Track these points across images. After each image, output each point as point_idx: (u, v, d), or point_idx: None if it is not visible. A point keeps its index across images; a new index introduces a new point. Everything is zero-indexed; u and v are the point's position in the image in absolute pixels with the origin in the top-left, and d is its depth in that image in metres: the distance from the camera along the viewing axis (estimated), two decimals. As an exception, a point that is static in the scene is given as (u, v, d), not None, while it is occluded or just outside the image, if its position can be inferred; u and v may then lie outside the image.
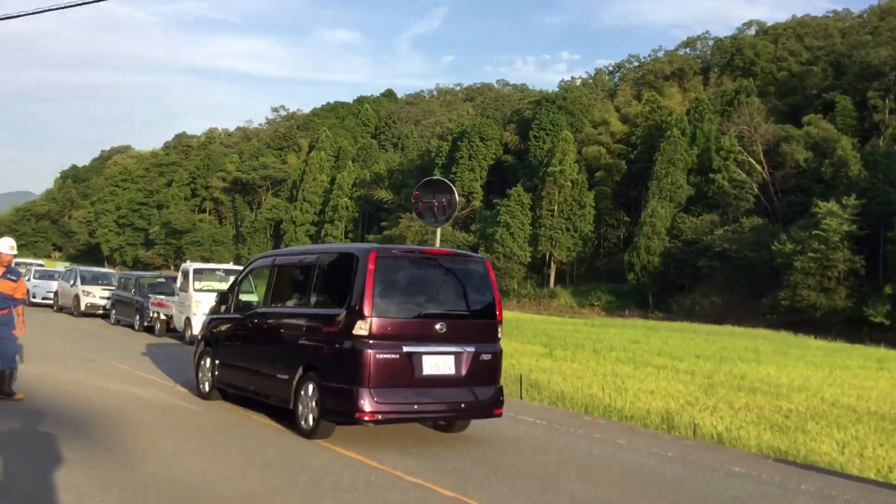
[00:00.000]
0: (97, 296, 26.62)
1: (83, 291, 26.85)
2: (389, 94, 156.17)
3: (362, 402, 7.94)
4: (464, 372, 8.57)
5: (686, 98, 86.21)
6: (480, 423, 10.36)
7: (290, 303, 9.89)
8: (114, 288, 26.53)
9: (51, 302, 29.43)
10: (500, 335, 9.21)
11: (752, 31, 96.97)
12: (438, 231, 16.87)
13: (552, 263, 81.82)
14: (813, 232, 55.42)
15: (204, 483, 6.62)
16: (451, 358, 8.52)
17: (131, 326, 23.20)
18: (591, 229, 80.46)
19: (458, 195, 16.81)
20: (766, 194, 68.09)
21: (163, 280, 25.86)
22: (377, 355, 8.06)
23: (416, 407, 8.36)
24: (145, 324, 22.21)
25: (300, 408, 8.64)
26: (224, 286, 20.19)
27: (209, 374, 10.85)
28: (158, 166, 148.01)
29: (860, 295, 55.57)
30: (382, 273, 8.32)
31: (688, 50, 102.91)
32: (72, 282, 28.06)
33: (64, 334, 20.06)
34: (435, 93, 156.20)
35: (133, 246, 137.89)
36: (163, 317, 21.20)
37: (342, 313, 8.34)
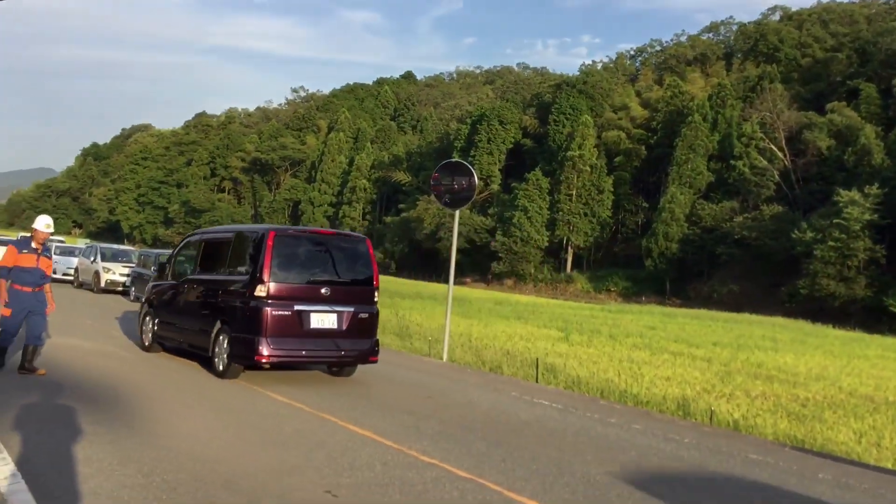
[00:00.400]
0: (117, 273, 26.84)
1: (103, 268, 27.08)
2: (409, 76, 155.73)
3: (261, 348, 10.05)
4: (344, 327, 10.68)
5: (708, 83, 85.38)
6: (497, 406, 10.41)
7: (211, 271, 11.72)
8: (133, 265, 26.74)
9: (71, 278, 29.70)
10: (376, 299, 11.28)
11: (776, 17, 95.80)
12: (457, 213, 16.86)
13: (569, 248, 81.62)
14: (834, 221, 54.92)
15: (223, 459, 6.69)
16: (334, 315, 10.61)
17: (150, 304, 23.35)
18: (610, 214, 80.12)
19: (477, 178, 16.77)
20: (788, 182, 67.46)
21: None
22: (273, 312, 10.14)
23: (304, 353, 10.59)
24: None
25: (216, 354, 10.68)
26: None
27: (150, 331, 12.79)
28: (178, 145, 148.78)
29: (880, 284, 55.07)
30: (279, 248, 10.40)
31: (711, 35, 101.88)
32: (92, 258, 28.32)
33: (84, 310, 20.25)
34: (455, 75, 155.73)
35: (153, 224, 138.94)
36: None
37: (247, 279, 10.44)
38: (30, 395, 8.79)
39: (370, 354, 11.08)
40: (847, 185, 57.25)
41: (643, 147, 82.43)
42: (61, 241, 40.44)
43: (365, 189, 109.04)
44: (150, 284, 13.73)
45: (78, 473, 5.96)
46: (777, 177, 67.33)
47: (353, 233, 13.14)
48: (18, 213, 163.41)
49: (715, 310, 48.49)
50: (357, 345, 10.86)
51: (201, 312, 11.40)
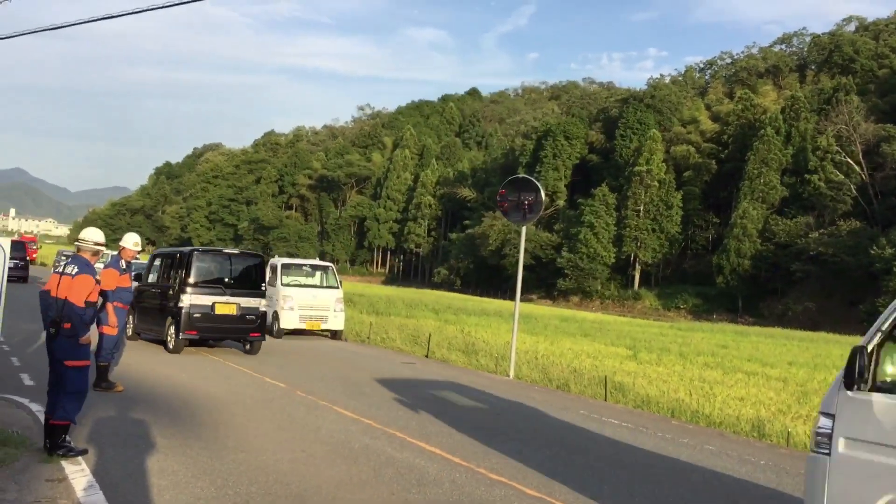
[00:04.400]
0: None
1: None
2: (474, 93, 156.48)
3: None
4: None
5: (781, 96, 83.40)
6: (566, 424, 10.28)
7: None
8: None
9: None
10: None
11: (851, 28, 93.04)
12: (523, 230, 16.79)
13: (637, 265, 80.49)
14: (915, 236, 52.91)
15: (294, 473, 6.75)
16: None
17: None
18: (679, 230, 78.73)
19: (543, 194, 16.68)
20: (865, 196, 65.31)
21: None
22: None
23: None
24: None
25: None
26: (311, 281, 20.73)
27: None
28: (248, 163, 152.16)
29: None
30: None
31: (783, 46, 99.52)
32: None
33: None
34: (520, 91, 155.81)
35: (223, 241, 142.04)
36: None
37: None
38: (104, 408, 9.04)
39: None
40: (929, 199, 55.11)
41: (713, 161, 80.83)
42: (136, 259, 41.50)
43: (430, 205, 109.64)
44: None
45: (152, 486, 6.09)
46: (854, 191, 65.23)
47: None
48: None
49: (790, 328, 47.09)
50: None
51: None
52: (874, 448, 4.43)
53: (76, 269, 6.95)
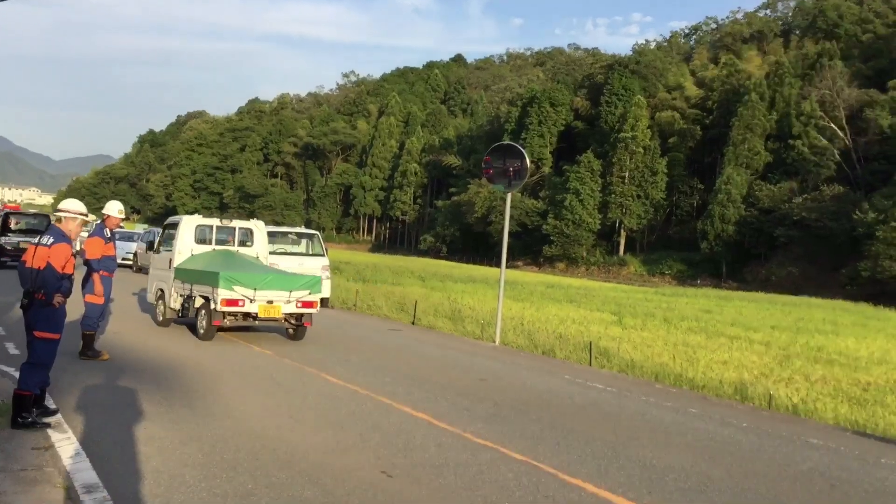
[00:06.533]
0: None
1: None
2: (459, 60, 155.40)
3: None
4: None
5: (765, 62, 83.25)
6: (551, 389, 10.38)
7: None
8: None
9: (130, 263, 30.39)
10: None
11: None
12: (508, 197, 16.79)
13: (622, 231, 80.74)
14: (897, 201, 53.23)
15: (281, 439, 6.80)
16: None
17: (207, 287, 23.81)
18: (663, 196, 78.93)
19: (528, 161, 16.65)
20: (848, 161, 65.55)
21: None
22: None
23: None
24: (220, 285, 22.71)
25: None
26: (297, 249, 20.70)
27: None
28: (232, 131, 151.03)
29: (946, 267, 53.28)
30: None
31: (768, 12, 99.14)
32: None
33: (143, 293, 20.68)
34: (505, 58, 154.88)
35: (208, 209, 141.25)
36: (238, 278, 21.63)
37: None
38: (92, 375, 9.04)
39: None
40: (911, 164, 55.36)
41: (698, 127, 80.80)
42: (121, 227, 41.27)
43: (416, 173, 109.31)
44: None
45: (140, 453, 6.12)
46: (837, 156, 65.44)
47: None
48: (78, 198, 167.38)
49: (773, 293, 47.46)
50: None
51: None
52: None
53: (52, 240, 6.92)
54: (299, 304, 12.60)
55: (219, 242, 14.70)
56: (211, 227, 14.89)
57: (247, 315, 12.40)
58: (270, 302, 12.34)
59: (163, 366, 10.08)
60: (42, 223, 28.04)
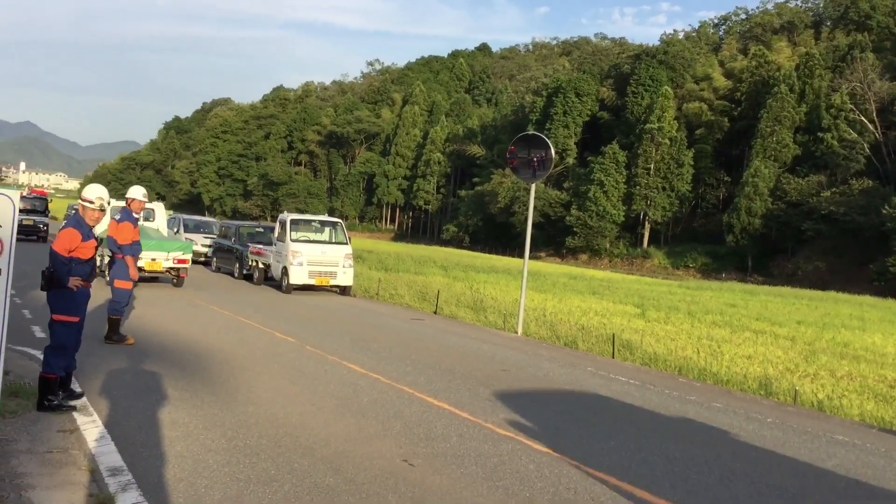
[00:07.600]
0: (199, 243, 27.50)
1: (186, 239, 27.81)
2: (484, 49, 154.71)
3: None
4: None
5: (795, 53, 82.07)
6: (573, 381, 10.33)
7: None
8: (215, 236, 27.39)
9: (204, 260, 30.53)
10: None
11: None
12: (532, 187, 16.70)
13: (646, 223, 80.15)
14: (928, 196, 52.39)
15: (303, 426, 6.82)
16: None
17: (231, 274, 23.99)
18: (689, 189, 78.17)
19: (553, 151, 16.54)
20: (878, 155, 64.56)
21: (261, 230, 26.49)
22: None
23: None
24: (244, 272, 22.89)
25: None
26: (320, 237, 20.79)
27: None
28: (257, 119, 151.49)
29: (977, 264, 52.44)
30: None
31: (799, 2, 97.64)
32: (175, 230, 29.07)
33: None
34: (531, 47, 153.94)
35: (232, 196, 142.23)
36: (261, 265, 21.79)
37: None
38: (117, 360, 9.12)
39: None
40: (943, 159, 54.43)
41: (726, 119, 79.85)
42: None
43: (439, 162, 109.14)
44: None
45: (164, 437, 6.16)
46: (867, 150, 64.45)
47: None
48: (104, 184, 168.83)
49: (799, 287, 46.98)
50: None
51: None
52: None
53: (63, 224, 7.19)
54: (175, 261, 17.93)
55: None
56: None
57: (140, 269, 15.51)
58: (154, 259, 17.53)
59: (186, 351, 10.15)
60: (42, 205, 34.12)
